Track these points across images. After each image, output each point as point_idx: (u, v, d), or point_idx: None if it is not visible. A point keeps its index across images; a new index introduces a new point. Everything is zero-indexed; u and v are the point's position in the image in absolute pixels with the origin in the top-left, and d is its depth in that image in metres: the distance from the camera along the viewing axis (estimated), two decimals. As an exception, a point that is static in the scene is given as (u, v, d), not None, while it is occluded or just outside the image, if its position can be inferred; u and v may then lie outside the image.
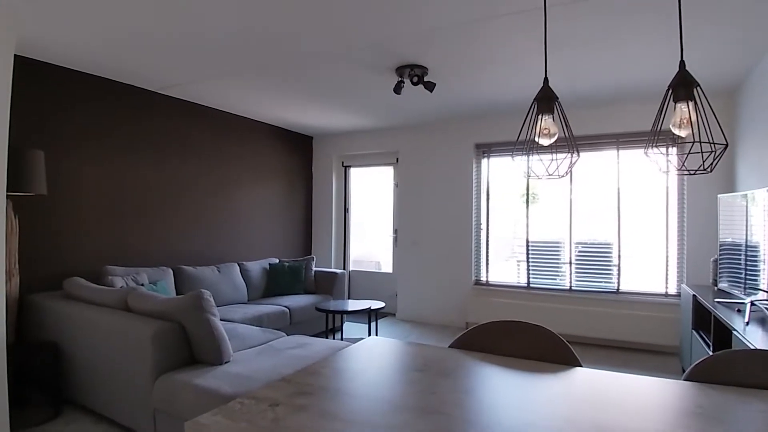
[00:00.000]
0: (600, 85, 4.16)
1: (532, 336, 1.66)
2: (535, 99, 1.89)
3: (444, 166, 5.72)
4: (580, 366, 1.51)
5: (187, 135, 4.80)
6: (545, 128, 1.79)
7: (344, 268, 6.58)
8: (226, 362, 2.66)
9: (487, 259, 5.54)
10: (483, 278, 5.57)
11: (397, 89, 3.85)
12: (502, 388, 1.43)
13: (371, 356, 1.69)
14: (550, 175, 1.91)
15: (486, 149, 5.55)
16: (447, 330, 5.42)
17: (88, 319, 2.93)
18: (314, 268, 5.38)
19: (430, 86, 3.80)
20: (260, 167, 5.75)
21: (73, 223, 3.84)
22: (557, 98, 1.87)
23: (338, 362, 1.57)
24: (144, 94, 4.36)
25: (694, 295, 3.50)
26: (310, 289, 5.22)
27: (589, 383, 1.40)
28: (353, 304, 4.21)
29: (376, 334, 4.02)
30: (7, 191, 2.78)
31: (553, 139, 1.84)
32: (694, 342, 3.46)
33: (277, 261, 5.42)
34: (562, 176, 1.97)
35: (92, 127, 3.97)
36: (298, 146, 6.42)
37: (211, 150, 5.08)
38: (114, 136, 4.12)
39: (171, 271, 4.24)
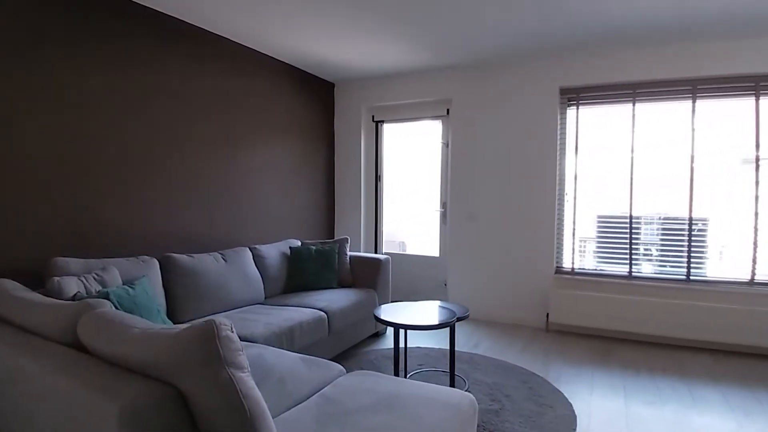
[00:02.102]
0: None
1: None
2: None
3: (515, 119, 4.37)
4: None
5: (170, 68, 3.36)
6: None
7: (376, 252, 5.26)
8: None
9: (574, 239, 4.26)
10: (567, 264, 4.30)
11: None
12: None
13: None
14: None
15: (574, 96, 4.20)
16: (522, 332, 4.17)
17: (5, 369, 1.59)
18: (349, 253, 4.05)
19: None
20: (270, 120, 4.34)
21: (6, 196, 2.44)
22: None
23: None
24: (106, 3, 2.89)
25: None
26: (345, 281, 3.90)
27: None
28: (424, 312, 2.92)
29: (452, 347, 2.76)
30: None
31: None
32: None
33: (299, 243, 4.08)
34: None
35: (33, 55, 2.52)
36: (316, 95, 4.99)
37: (207, 92, 3.65)
38: (66, 71, 2.69)
39: (156, 263, 2.88)
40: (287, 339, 2.78)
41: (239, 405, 1.26)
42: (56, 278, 2.21)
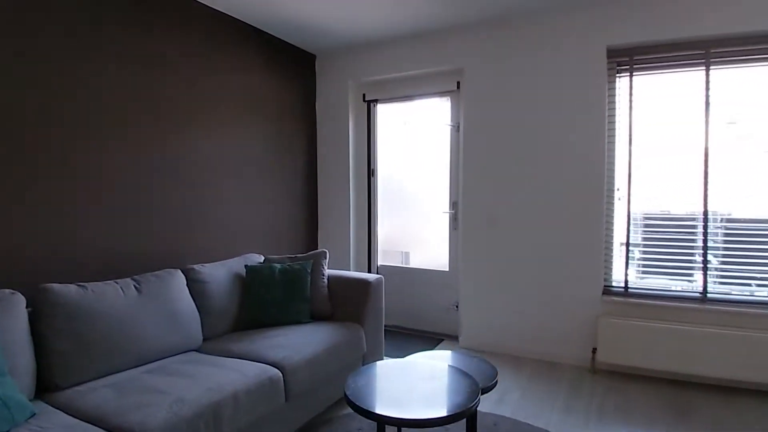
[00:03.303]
0: None
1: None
2: None
3: (546, 92, 3.31)
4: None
5: (91, 19, 2.35)
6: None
7: (369, 266, 4.22)
8: None
9: (628, 248, 3.20)
10: (619, 281, 3.24)
11: None
12: None
13: None
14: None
15: (626, 60, 3.14)
16: (560, 374, 3.12)
17: None
18: (327, 272, 3.02)
19: None
20: (231, 97, 3.32)
21: None
22: None
23: None
24: None
25: None
26: (321, 312, 2.87)
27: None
28: (426, 384, 1.87)
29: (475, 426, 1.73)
30: None
31: None
32: None
33: (261, 260, 3.07)
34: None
35: None
36: (295, 69, 3.96)
37: (137, 57, 2.64)
38: None
39: (20, 299, 1.87)
40: (210, 425, 1.76)
41: None
42: None
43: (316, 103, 4.22)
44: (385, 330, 4.01)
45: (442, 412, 1.56)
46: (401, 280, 4.12)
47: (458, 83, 3.70)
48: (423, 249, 4.16)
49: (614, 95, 3.18)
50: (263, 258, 3.09)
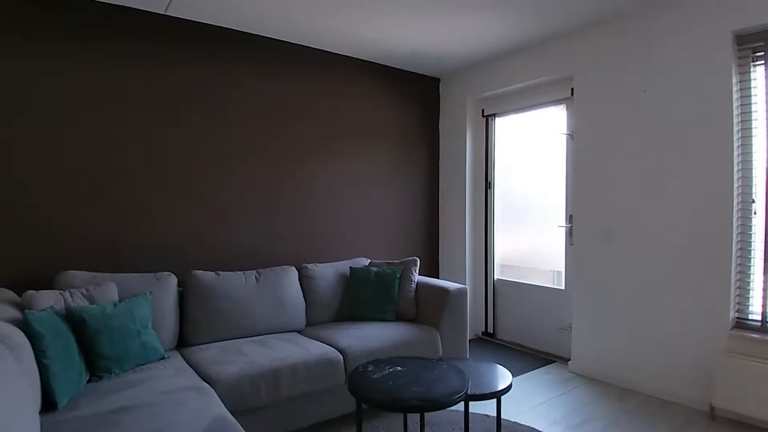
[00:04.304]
0: None
1: None
2: None
3: (663, 90, 2.95)
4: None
5: (219, 80, 3.26)
6: None
7: (486, 276, 4.29)
8: None
9: (766, 275, 2.61)
10: (754, 313, 2.65)
11: None
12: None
13: None
14: None
15: (761, 45, 2.59)
16: (669, 411, 2.72)
17: None
18: (416, 278, 3.30)
19: None
20: (354, 126, 3.93)
21: (17, 207, 2.62)
22: None
23: None
24: (142, 17, 2.94)
25: None
26: (406, 314, 3.18)
27: None
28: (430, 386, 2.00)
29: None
30: None
31: None
32: None
33: (366, 263, 3.54)
34: None
35: (76, 67, 2.70)
36: (416, 93, 4.37)
37: (266, 105, 3.47)
38: (109, 81, 2.81)
39: (173, 280, 2.74)
40: (268, 385, 2.27)
41: None
42: (32, 292, 2.21)
43: (440, 122, 4.54)
44: (500, 344, 4.07)
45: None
46: (517, 295, 4.07)
47: (572, 90, 3.55)
48: (540, 264, 4.03)
49: (749, 87, 2.64)
50: (368, 262, 3.55)
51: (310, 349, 2.55)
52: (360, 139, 3.96)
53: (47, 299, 2.21)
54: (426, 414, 2.47)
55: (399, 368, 2.02)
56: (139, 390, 1.96)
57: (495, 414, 2.29)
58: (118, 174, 2.88)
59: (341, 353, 2.58)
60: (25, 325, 1.85)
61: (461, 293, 3.12)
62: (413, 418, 2.51)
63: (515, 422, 2.58)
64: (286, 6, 2.92)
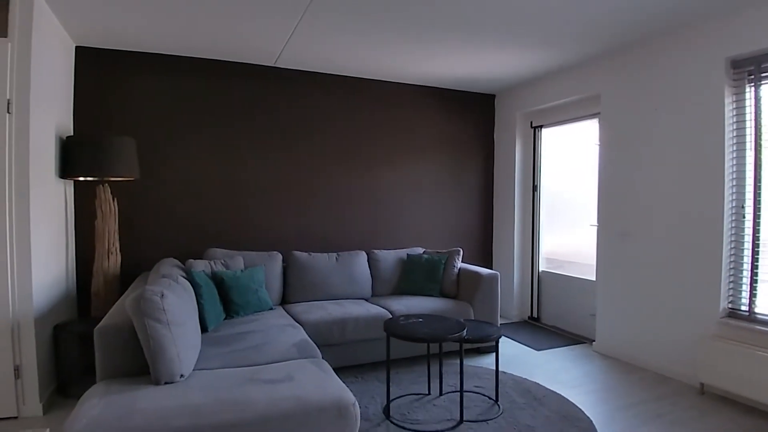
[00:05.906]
0: None
1: None
2: None
3: (669, 107, 3.41)
4: None
5: (314, 111, 4.35)
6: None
7: (532, 268, 4.92)
8: (166, 383, 2.05)
9: (754, 270, 3.00)
10: (743, 305, 3.05)
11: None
12: None
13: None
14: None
15: (754, 67, 2.98)
16: (662, 385, 3.24)
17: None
18: (458, 265, 4.10)
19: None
20: (415, 140, 4.82)
21: (181, 205, 3.94)
22: None
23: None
24: (255, 69, 4.13)
25: None
26: (449, 292, 4.00)
27: None
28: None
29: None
30: (103, 176, 3.20)
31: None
32: None
33: (420, 251, 4.41)
34: None
35: (215, 109, 3.97)
36: (471, 108, 5.13)
37: (349, 128, 4.50)
38: (235, 115, 4.05)
39: (280, 257, 3.88)
40: (338, 329, 3.28)
41: (147, 342, 2.04)
42: (191, 260, 3.44)
43: (495, 132, 5.23)
44: (542, 327, 4.72)
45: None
46: (558, 285, 4.66)
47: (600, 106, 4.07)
48: (578, 258, 4.57)
49: (744, 106, 3.05)
50: (422, 251, 4.42)
51: (370, 309, 3.52)
52: (427, 150, 4.85)
53: (200, 265, 3.43)
54: (443, 365, 3.30)
55: (420, 320, 2.89)
56: (256, 324, 3.07)
57: (511, 372, 3.05)
58: (245, 186, 4.11)
59: (391, 314, 3.51)
60: (190, 279, 3.04)
61: (492, 277, 3.86)
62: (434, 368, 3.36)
63: (528, 379, 3.31)
64: (373, 53, 3.91)
